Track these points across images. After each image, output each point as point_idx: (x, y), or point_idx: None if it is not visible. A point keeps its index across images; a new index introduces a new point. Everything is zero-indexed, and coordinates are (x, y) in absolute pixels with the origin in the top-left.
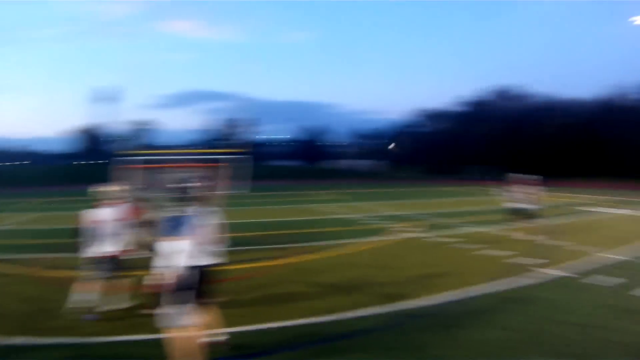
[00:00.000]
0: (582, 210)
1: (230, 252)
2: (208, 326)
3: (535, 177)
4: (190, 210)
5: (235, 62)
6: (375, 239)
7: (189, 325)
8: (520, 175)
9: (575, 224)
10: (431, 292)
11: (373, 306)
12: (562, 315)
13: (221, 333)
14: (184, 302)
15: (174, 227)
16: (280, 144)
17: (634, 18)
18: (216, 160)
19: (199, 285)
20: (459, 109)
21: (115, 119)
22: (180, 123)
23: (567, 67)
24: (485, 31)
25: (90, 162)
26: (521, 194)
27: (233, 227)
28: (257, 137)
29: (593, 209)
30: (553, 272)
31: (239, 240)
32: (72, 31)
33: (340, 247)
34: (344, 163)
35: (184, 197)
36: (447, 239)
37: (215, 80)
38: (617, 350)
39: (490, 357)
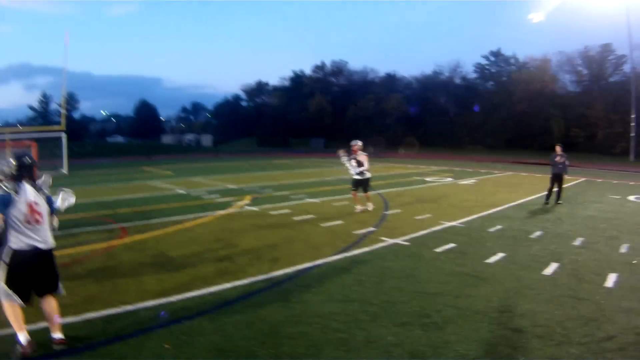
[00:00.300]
0: (418, 179)
1: (55, 237)
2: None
3: (363, 146)
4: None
5: (57, 36)
6: (211, 213)
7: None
8: (355, 141)
9: (413, 193)
10: (269, 266)
11: (207, 286)
12: (413, 285)
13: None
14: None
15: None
16: (106, 120)
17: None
18: (32, 139)
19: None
20: (284, 83)
21: None
22: (3, 101)
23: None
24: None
25: None
26: (356, 164)
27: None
28: (80, 113)
29: (429, 179)
30: (396, 241)
31: (64, 223)
32: None
33: (175, 224)
34: (174, 138)
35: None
36: (283, 211)
37: (35, 54)
38: (474, 318)
39: (341, 332)
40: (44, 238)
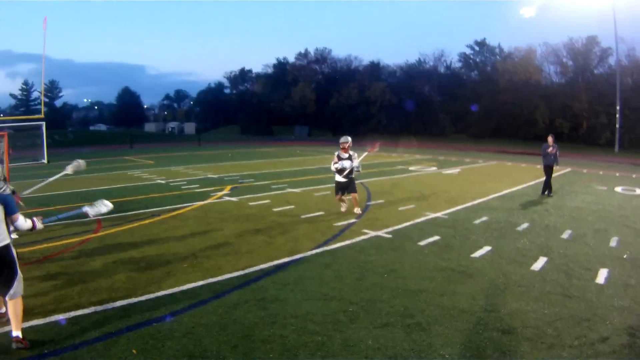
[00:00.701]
0: (402, 168)
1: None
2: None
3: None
4: None
5: (39, 22)
6: (189, 205)
7: None
8: (346, 138)
9: (396, 183)
10: (246, 262)
11: (179, 284)
12: (395, 281)
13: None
14: None
15: None
16: (89, 108)
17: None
18: (7, 129)
19: None
20: (267, 71)
21: None
22: None
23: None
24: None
25: None
26: (344, 154)
27: (30, 201)
28: (62, 101)
29: (412, 168)
30: (378, 233)
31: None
32: None
33: (150, 217)
34: (157, 126)
35: None
36: (263, 202)
37: (17, 41)
38: (460, 318)
39: (318, 335)
40: None
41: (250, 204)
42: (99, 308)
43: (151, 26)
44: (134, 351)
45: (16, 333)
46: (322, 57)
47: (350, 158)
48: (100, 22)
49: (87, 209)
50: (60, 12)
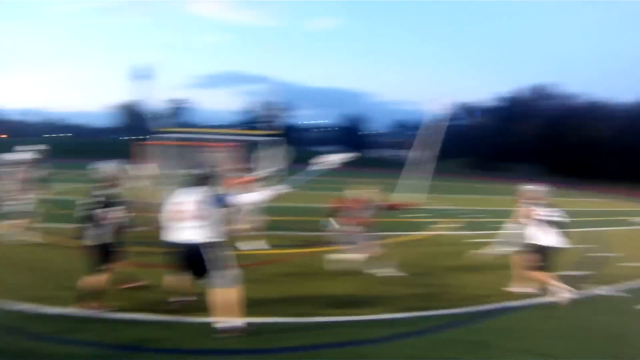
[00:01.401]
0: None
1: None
2: (230, 309)
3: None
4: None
5: (266, 46)
6: (413, 233)
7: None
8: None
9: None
10: (460, 299)
11: (400, 310)
12: (622, 348)
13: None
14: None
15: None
16: (317, 129)
17: None
18: (251, 142)
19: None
20: (496, 104)
21: (153, 96)
22: (215, 103)
23: (607, 70)
24: (526, 28)
25: (128, 137)
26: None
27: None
28: (294, 121)
29: None
30: (610, 290)
31: (270, 225)
32: (98, 7)
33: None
34: (382, 152)
35: (202, 177)
36: (484, 240)
37: (248, 62)
38: None
39: None
40: (194, 234)
41: (468, 241)
42: (313, 319)
43: (378, 55)
44: None
45: (221, 323)
46: (550, 93)
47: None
48: (333, 50)
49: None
50: (292, 38)
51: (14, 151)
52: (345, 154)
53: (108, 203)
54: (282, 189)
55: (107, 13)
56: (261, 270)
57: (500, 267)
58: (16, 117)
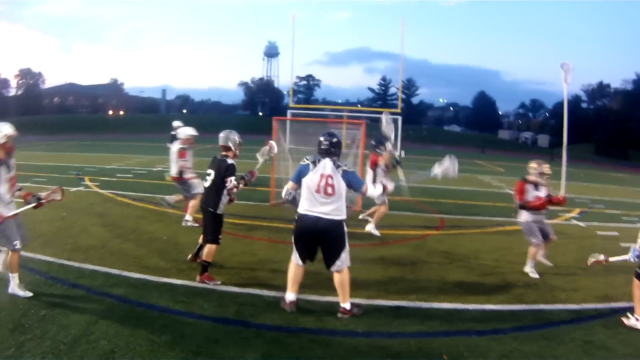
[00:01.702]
0: None
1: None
2: (346, 289)
3: None
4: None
5: (395, 23)
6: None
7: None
8: None
9: None
10: (580, 295)
11: (507, 302)
12: None
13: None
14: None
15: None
16: (443, 108)
17: None
18: (374, 120)
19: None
20: (627, 87)
21: (284, 73)
22: (344, 80)
23: None
24: None
25: (260, 114)
26: None
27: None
28: (418, 99)
29: None
30: None
31: (396, 205)
32: None
33: (494, 225)
34: (510, 134)
35: (330, 151)
36: (610, 233)
37: (376, 40)
38: None
39: None
40: (330, 210)
41: (599, 233)
42: (422, 305)
43: (507, 31)
44: (445, 357)
45: (343, 304)
46: None
47: None
48: (456, 25)
49: (436, 171)
50: (417, 14)
51: (176, 127)
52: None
53: (233, 174)
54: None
55: None
56: (378, 251)
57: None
58: (153, 95)
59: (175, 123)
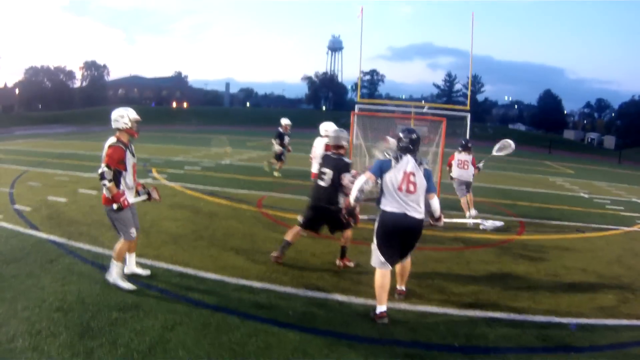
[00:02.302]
0: None
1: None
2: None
3: None
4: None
5: (457, 19)
6: (614, 228)
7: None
8: None
9: None
10: None
11: (603, 316)
12: None
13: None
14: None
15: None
16: (508, 106)
17: None
18: (440, 116)
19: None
20: None
21: (348, 67)
22: (407, 76)
23: None
24: None
25: (323, 108)
26: None
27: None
28: (483, 96)
29: None
30: None
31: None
32: None
33: (574, 231)
34: (575, 134)
35: (410, 147)
36: None
37: (439, 35)
38: None
39: None
40: (415, 208)
41: None
42: (516, 317)
43: (572, 28)
44: None
45: (401, 287)
46: None
47: None
48: (520, 21)
49: (485, 225)
50: (480, 9)
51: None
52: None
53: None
54: None
55: None
56: (464, 256)
57: None
58: (217, 88)
59: (284, 120)
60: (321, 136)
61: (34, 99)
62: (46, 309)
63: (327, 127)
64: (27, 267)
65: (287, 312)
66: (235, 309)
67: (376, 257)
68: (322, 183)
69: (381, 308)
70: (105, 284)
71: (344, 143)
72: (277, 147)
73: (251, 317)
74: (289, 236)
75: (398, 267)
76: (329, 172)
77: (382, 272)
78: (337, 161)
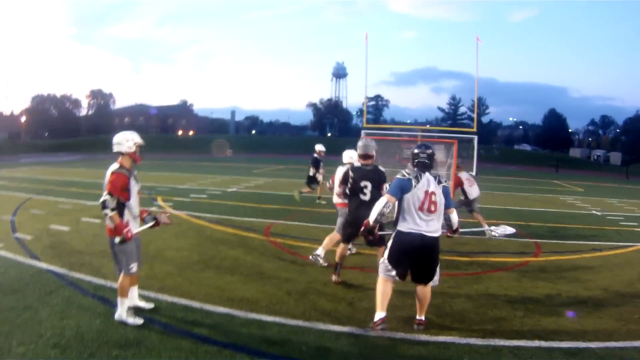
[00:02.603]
0: None
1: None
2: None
3: None
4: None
5: (460, 42)
6: (631, 244)
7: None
8: None
9: None
10: None
11: (631, 338)
12: None
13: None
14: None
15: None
16: (512, 127)
17: None
18: (445, 139)
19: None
20: None
21: (353, 93)
22: (411, 100)
23: None
24: None
25: (329, 135)
26: None
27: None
28: (487, 118)
29: None
30: None
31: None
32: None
33: (591, 250)
34: (581, 152)
35: (427, 163)
36: None
37: (442, 59)
38: None
39: None
40: (433, 227)
41: None
42: (542, 344)
43: (573, 46)
44: None
45: (420, 317)
46: None
47: None
48: (521, 42)
49: (496, 231)
50: (483, 31)
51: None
52: None
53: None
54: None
55: (306, 14)
56: (483, 282)
57: None
58: (222, 116)
59: (319, 146)
60: (344, 164)
61: (41, 126)
62: (43, 344)
63: (352, 155)
64: (25, 299)
65: (300, 348)
66: (244, 345)
67: (384, 266)
68: (364, 197)
69: (380, 314)
70: (105, 318)
71: (373, 152)
72: (318, 175)
73: (262, 355)
74: (337, 257)
75: (422, 293)
76: (368, 185)
77: (384, 279)
78: (374, 172)
